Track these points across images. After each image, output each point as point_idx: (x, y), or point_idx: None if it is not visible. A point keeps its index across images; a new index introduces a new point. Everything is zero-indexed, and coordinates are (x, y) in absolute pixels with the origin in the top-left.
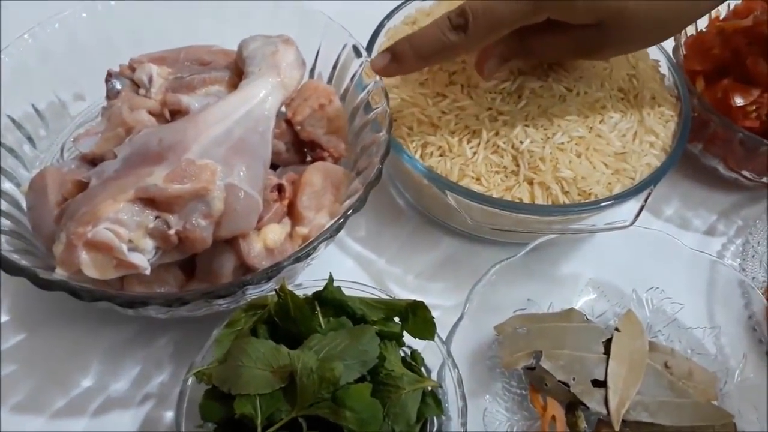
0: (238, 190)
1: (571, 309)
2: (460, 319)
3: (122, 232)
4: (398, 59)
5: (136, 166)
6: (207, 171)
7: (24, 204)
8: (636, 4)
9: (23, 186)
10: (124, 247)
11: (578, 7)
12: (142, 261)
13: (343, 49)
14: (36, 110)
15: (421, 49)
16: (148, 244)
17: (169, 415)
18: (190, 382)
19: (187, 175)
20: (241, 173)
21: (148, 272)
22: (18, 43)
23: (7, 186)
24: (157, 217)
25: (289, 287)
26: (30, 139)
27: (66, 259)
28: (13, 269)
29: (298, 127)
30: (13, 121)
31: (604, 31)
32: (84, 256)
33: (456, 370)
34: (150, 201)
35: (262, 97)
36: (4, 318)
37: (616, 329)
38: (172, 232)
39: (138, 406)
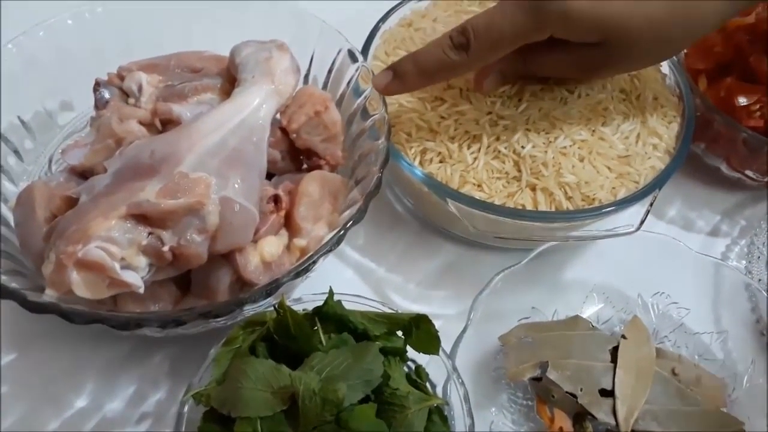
0: (234, 203)
1: (577, 316)
2: (464, 330)
3: (114, 251)
4: (401, 77)
5: (128, 180)
6: (201, 184)
7: (11, 220)
8: (641, 23)
9: (10, 201)
10: (117, 266)
11: (581, 26)
12: (136, 279)
13: (339, 53)
14: (22, 121)
15: (423, 67)
16: (142, 261)
17: None
18: (188, 403)
19: (181, 190)
20: (236, 185)
21: (142, 290)
22: (2, 52)
23: None
24: (150, 234)
25: (288, 302)
26: (16, 152)
27: (56, 280)
28: (2, 292)
29: (294, 135)
30: None
31: (607, 50)
32: (75, 276)
33: (462, 387)
34: (142, 217)
35: (255, 105)
36: None
37: (623, 336)
38: (166, 248)
39: (134, 426)
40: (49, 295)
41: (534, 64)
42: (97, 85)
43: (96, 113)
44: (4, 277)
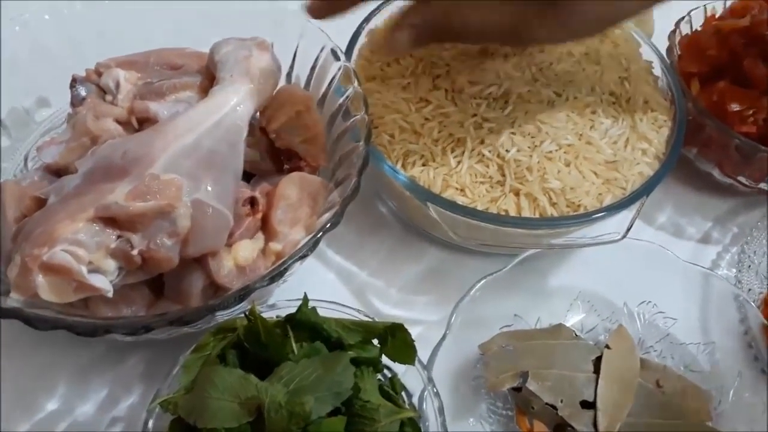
0: (206, 206)
1: (560, 325)
2: (442, 339)
3: (81, 254)
4: None
5: (98, 181)
6: (172, 187)
7: None
8: None
9: None
10: (84, 270)
11: None
12: (104, 283)
13: (321, 51)
14: None
15: None
16: (110, 265)
17: None
18: (155, 412)
19: (151, 192)
20: (209, 188)
21: (110, 295)
22: None
23: None
24: (119, 237)
25: (263, 308)
26: None
27: (21, 283)
28: None
29: (273, 135)
30: None
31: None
32: (40, 280)
33: (437, 399)
34: (111, 220)
35: (233, 105)
36: None
37: (607, 346)
38: (135, 252)
39: (106, 430)
40: (15, 299)
41: (457, 18)
42: (74, 82)
43: (72, 110)
44: None
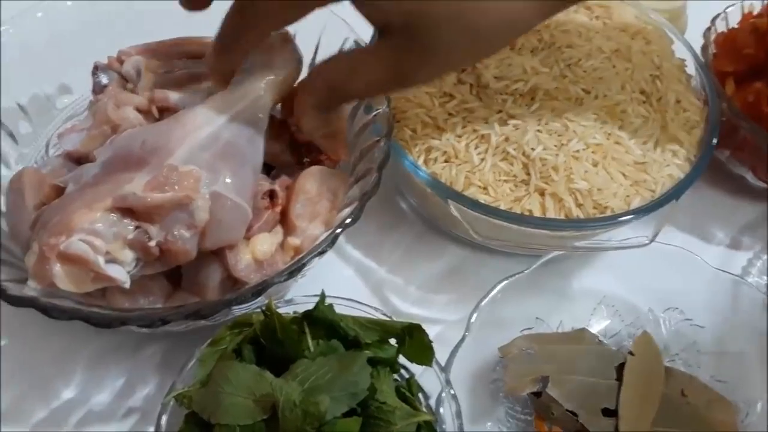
0: (225, 199)
1: (583, 329)
2: (462, 340)
3: (98, 244)
4: None
5: (116, 171)
6: (190, 178)
7: (2, 206)
8: (444, 5)
9: (3, 186)
10: (101, 260)
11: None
12: (121, 274)
13: (344, 44)
14: (18, 104)
15: None
16: (128, 255)
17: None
18: (170, 404)
19: (169, 183)
20: (228, 180)
21: (127, 285)
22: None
23: None
24: (137, 228)
25: (280, 303)
26: (11, 136)
27: (38, 272)
28: None
29: (294, 128)
30: None
31: (410, 39)
32: (57, 269)
33: (455, 402)
34: (129, 211)
35: (253, 97)
36: None
37: (630, 353)
38: (152, 243)
39: (120, 420)
40: (32, 287)
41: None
42: (96, 69)
43: (94, 98)
44: None
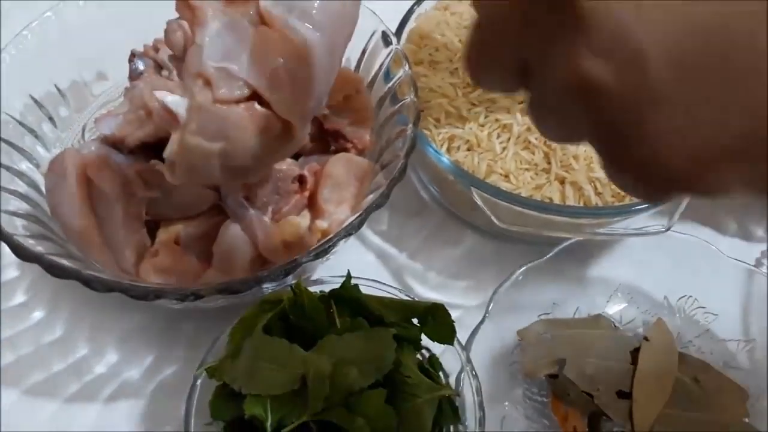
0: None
1: (599, 315)
2: (481, 322)
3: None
4: None
5: None
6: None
7: (43, 186)
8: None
9: (42, 167)
10: None
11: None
12: None
13: (372, 35)
14: (58, 89)
15: None
16: None
17: (181, 406)
18: (201, 377)
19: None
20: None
21: None
22: (41, 20)
23: (25, 166)
24: None
25: (307, 282)
26: (51, 119)
27: None
28: (27, 255)
29: (322, 116)
30: (35, 100)
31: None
32: None
33: (475, 379)
34: None
35: None
36: (22, 298)
37: (645, 338)
38: None
39: (150, 395)
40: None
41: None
42: (132, 56)
43: (130, 84)
44: (30, 241)
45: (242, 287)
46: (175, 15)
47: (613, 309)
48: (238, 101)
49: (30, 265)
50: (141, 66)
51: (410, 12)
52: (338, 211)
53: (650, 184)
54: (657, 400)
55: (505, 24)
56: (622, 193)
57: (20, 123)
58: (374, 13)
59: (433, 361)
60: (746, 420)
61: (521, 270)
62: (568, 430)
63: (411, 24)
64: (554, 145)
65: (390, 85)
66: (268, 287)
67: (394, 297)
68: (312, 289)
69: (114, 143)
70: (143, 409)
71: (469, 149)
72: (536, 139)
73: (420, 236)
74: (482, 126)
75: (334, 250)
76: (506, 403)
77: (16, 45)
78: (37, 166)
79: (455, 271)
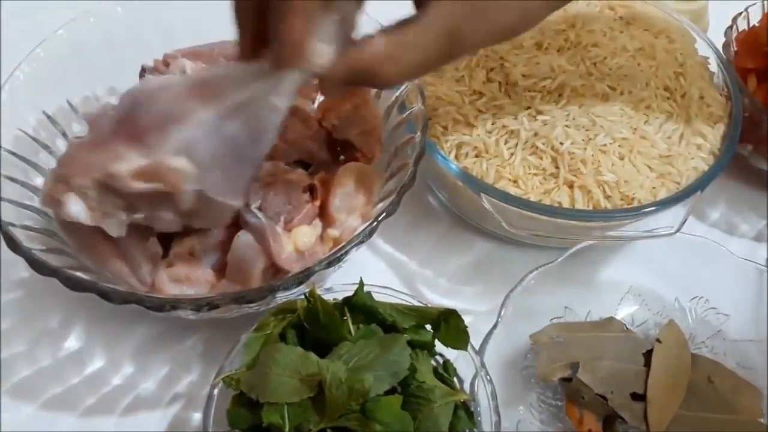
0: (209, 199)
1: (611, 318)
2: (494, 327)
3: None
4: None
5: (121, 133)
6: (178, 175)
7: None
8: None
9: None
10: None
11: None
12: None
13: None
14: (70, 105)
15: None
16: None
17: (197, 416)
18: (218, 386)
19: (157, 176)
20: (217, 179)
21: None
22: (54, 38)
23: (40, 182)
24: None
25: (319, 291)
26: (64, 134)
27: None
28: (44, 269)
29: (331, 127)
30: (48, 116)
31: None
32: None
33: (490, 383)
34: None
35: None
36: (38, 314)
37: (658, 340)
38: (139, 216)
39: (166, 406)
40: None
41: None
42: (143, 71)
43: None
44: (47, 255)
45: (257, 297)
46: (185, 30)
47: (625, 311)
48: None
49: (41, 280)
50: None
51: None
52: (349, 220)
53: None
54: (671, 401)
55: None
56: (631, 196)
57: (34, 139)
58: (382, 25)
59: (448, 366)
60: (761, 420)
61: (532, 274)
62: None
63: None
64: (562, 149)
65: (397, 94)
66: (282, 296)
67: (407, 303)
68: (325, 297)
69: None
70: (159, 419)
71: (477, 156)
72: (543, 144)
73: (430, 242)
74: (490, 132)
75: (346, 259)
76: (521, 408)
77: (30, 63)
78: None
79: (466, 276)
